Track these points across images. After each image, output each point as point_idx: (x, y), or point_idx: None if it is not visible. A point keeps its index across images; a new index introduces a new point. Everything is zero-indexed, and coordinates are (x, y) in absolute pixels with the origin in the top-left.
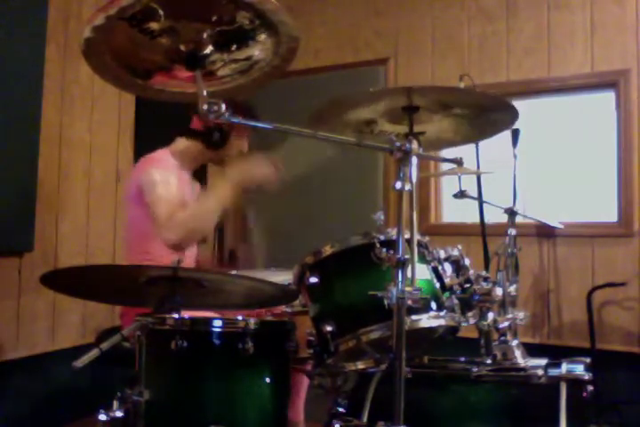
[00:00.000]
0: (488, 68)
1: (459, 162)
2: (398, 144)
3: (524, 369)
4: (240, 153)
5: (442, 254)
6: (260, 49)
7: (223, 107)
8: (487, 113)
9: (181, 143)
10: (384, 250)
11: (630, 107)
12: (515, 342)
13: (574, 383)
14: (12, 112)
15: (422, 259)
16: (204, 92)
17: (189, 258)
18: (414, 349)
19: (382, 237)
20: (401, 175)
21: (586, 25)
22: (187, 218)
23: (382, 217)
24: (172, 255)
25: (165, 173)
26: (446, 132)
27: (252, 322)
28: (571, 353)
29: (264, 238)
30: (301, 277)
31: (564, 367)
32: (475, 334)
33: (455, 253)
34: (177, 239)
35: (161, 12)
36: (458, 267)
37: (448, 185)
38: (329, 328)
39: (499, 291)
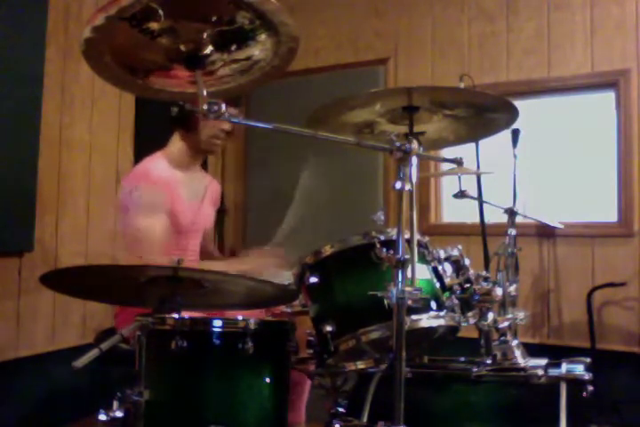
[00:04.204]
0: (488, 68)
1: (459, 162)
2: (398, 144)
3: (524, 369)
4: (222, 132)
5: (442, 254)
6: (260, 49)
7: (223, 106)
8: (487, 113)
9: (173, 139)
10: (384, 250)
11: (630, 107)
12: (515, 342)
13: (574, 383)
14: (12, 112)
15: (422, 259)
16: (204, 92)
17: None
18: (414, 349)
19: (382, 237)
20: (401, 175)
21: (586, 25)
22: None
23: (382, 217)
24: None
25: (153, 193)
26: (446, 132)
27: (252, 322)
28: (571, 353)
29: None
30: (301, 277)
31: (564, 367)
32: (475, 334)
33: (455, 253)
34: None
35: (161, 12)
36: (458, 267)
37: (448, 185)
38: (329, 328)
39: (499, 291)
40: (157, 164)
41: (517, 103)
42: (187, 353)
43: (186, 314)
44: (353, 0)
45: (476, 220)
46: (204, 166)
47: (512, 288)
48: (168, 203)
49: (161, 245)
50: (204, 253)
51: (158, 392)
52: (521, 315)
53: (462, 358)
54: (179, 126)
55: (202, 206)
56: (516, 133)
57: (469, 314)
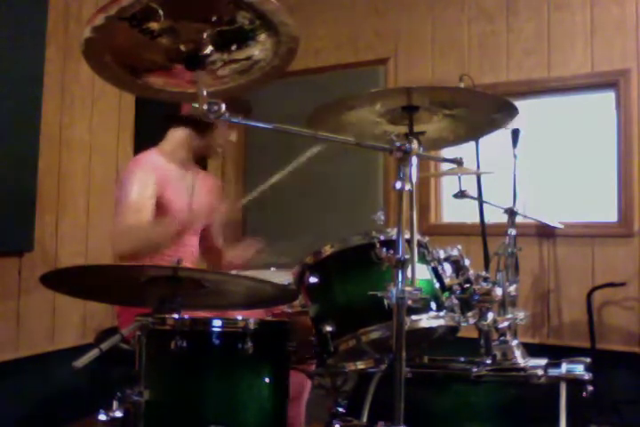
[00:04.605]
0: (488, 68)
1: (459, 162)
2: (398, 144)
3: (524, 369)
4: (227, 142)
5: (442, 254)
6: (260, 49)
7: (223, 107)
8: (487, 112)
9: (171, 134)
10: (384, 250)
11: (630, 107)
12: (515, 342)
13: (574, 383)
14: (12, 112)
15: (422, 259)
16: (205, 92)
17: (188, 260)
18: (414, 349)
19: (382, 237)
20: (401, 175)
21: (586, 25)
22: (135, 233)
23: (382, 217)
24: (162, 258)
25: (143, 177)
26: (446, 132)
27: (252, 322)
28: (571, 353)
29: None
30: (301, 277)
31: (564, 367)
32: (475, 334)
33: (455, 253)
34: (122, 252)
35: (161, 12)
36: (458, 267)
37: (448, 185)
38: (329, 328)
39: (499, 291)
40: (152, 157)
41: (517, 103)
42: (187, 353)
43: (186, 314)
44: (353, 0)
45: (476, 220)
46: (204, 167)
47: (512, 288)
48: (159, 187)
49: (145, 215)
50: (211, 250)
51: (158, 392)
52: (521, 315)
53: (462, 358)
54: (191, 126)
55: (196, 203)
56: (515, 133)
57: (469, 314)
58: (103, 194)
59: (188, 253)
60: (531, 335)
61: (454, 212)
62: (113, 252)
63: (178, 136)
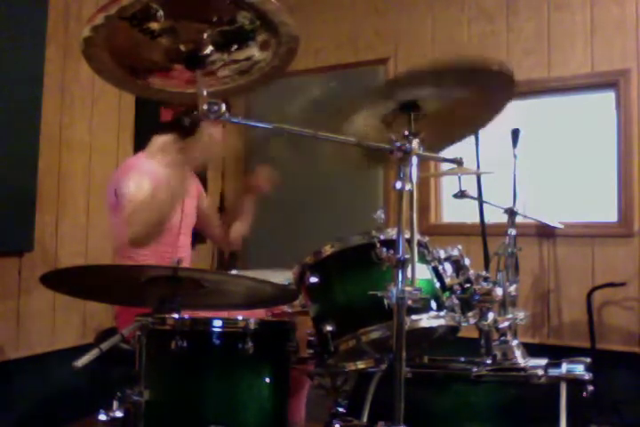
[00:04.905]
0: None
1: (459, 162)
2: (398, 144)
3: (524, 369)
4: (213, 142)
5: (442, 254)
6: (259, 49)
7: (223, 107)
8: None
9: (155, 141)
10: (384, 250)
11: (630, 107)
12: (515, 342)
13: (574, 383)
14: (12, 112)
15: (422, 259)
16: (204, 92)
17: (185, 260)
18: (414, 349)
19: (382, 237)
20: (401, 175)
21: (586, 25)
22: (140, 211)
23: (382, 215)
24: (156, 259)
25: (139, 179)
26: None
27: (252, 322)
28: (571, 353)
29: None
30: (301, 277)
31: (564, 367)
32: (475, 334)
33: (455, 253)
34: (136, 235)
35: (161, 12)
36: (458, 267)
37: (448, 185)
38: (329, 328)
39: (499, 291)
40: (142, 161)
41: (517, 103)
42: (187, 353)
43: (186, 314)
44: (353, 0)
45: (476, 220)
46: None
47: (512, 288)
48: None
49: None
50: (224, 241)
51: (158, 392)
52: (521, 315)
53: (462, 358)
54: (177, 132)
55: (184, 203)
56: (515, 133)
57: (469, 314)
58: (103, 194)
59: (185, 255)
60: (531, 335)
61: (454, 212)
62: (128, 239)
63: (164, 143)
